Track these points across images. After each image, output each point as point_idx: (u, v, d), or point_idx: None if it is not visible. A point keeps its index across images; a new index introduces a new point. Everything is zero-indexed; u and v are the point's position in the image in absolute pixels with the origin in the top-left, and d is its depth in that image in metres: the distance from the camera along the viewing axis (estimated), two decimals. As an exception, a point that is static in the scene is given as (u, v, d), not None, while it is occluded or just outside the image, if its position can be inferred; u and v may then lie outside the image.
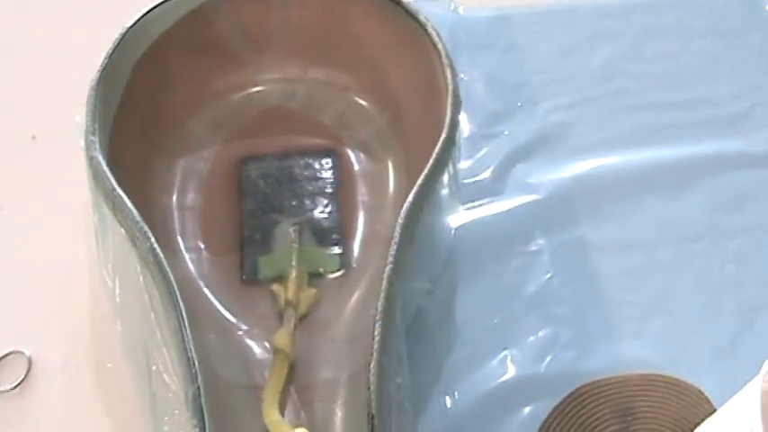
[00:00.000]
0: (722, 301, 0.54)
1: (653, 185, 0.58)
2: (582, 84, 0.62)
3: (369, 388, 0.40)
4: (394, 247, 0.43)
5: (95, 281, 0.53)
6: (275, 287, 0.52)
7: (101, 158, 0.47)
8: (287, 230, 0.55)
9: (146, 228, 0.44)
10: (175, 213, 0.55)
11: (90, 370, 0.51)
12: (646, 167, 0.58)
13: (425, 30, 0.52)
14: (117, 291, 0.47)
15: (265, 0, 0.56)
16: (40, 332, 0.52)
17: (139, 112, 0.54)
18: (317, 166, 0.57)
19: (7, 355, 0.51)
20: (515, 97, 0.61)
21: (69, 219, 0.55)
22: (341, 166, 0.57)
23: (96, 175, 0.47)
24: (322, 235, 0.54)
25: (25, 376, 0.51)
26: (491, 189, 0.57)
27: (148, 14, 0.53)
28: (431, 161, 0.46)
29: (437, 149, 0.47)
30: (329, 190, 0.56)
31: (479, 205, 0.56)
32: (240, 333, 0.51)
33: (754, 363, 0.52)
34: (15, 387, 0.50)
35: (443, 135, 0.47)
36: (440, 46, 0.51)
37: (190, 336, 0.41)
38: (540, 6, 0.66)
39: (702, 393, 0.49)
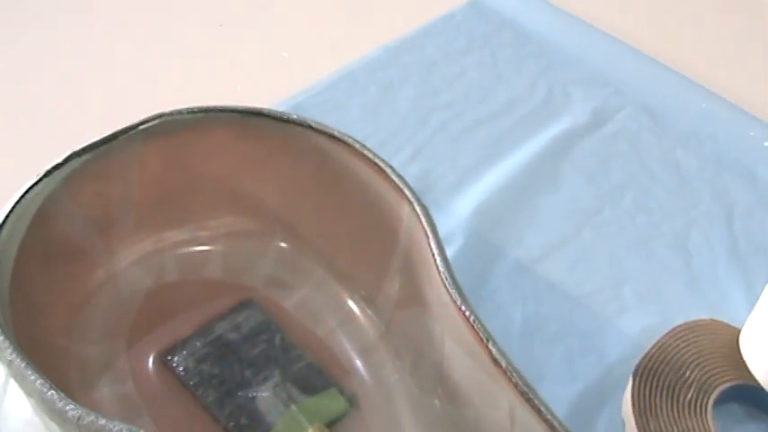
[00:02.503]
0: (656, 245, 0.60)
1: (532, 185, 0.63)
2: (408, 132, 0.65)
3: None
4: (475, 323, 0.42)
5: None
6: (304, 458, 0.47)
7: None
8: (270, 398, 0.49)
9: None
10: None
11: None
12: (515, 174, 0.63)
13: (305, 125, 0.51)
14: None
15: (102, 174, 0.51)
16: None
17: (31, 356, 0.45)
18: (243, 322, 0.53)
19: None
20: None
21: None
22: (269, 311, 0.53)
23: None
24: (307, 383, 0.50)
25: None
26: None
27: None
28: (429, 234, 0.46)
29: (424, 222, 0.46)
30: (277, 339, 0.52)
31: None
32: None
33: (714, 277, 0.59)
34: None
35: (417, 206, 0.47)
36: (335, 133, 0.51)
37: None
38: (320, 85, 0.68)
39: (716, 321, 0.54)
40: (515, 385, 0.40)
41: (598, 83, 0.70)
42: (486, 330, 0.42)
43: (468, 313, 0.43)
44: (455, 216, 0.60)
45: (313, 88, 0.68)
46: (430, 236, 0.46)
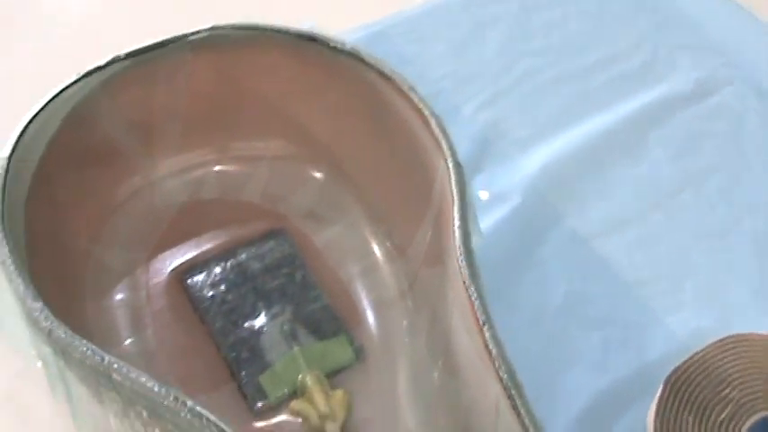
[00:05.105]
0: (732, 242, 0.53)
1: (611, 153, 0.56)
2: (490, 76, 0.60)
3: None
4: (477, 301, 0.38)
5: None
6: (296, 405, 0.44)
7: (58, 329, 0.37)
8: (277, 335, 0.47)
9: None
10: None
11: None
12: (594, 138, 0.57)
13: (358, 58, 0.47)
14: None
15: (147, 80, 0.48)
16: None
17: (45, 256, 0.44)
18: (269, 253, 0.50)
19: None
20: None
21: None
22: (297, 244, 0.50)
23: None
24: (318, 326, 0.47)
25: None
26: (461, 212, 0.53)
27: (24, 135, 0.43)
28: (455, 197, 0.41)
29: (454, 180, 0.42)
30: (298, 275, 0.49)
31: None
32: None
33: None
34: None
35: (450, 162, 0.42)
36: (386, 70, 0.46)
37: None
38: (409, 13, 0.63)
39: (775, 338, 0.47)
40: (500, 379, 0.35)
41: (710, 51, 0.62)
42: (486, 312, 0.37)
43: (472, 289, 0.38)
44: (518, 172, 0.54)
45: (400, 15, 0.62)
46: (455, 199, 0.41)
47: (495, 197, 0.53)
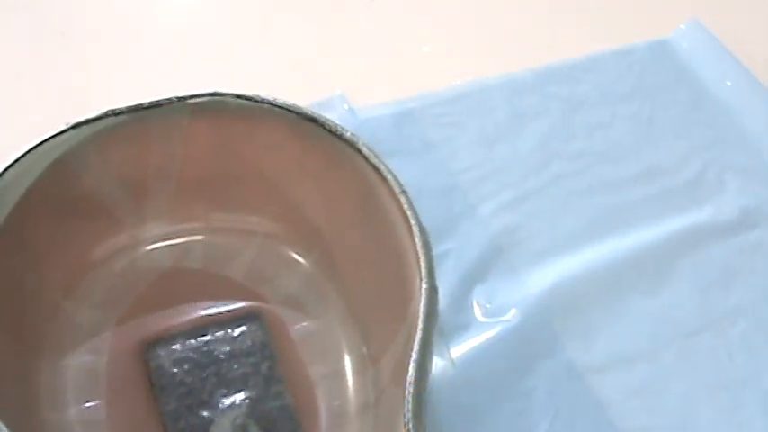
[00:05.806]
0: (745, 399, 0.48)
1: (631, 279, 0.52)
2: (518, 175, 0.56)
3: None
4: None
5: None
6: None
7: None
8: (227, 429, 0.44)
9: None
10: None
11: None
12: (616, 260, 0.52)
13: (356, 148, 0.44)
14: None
15: (141, 138, 0.46)
16: None
17: (5, 305, 0.42)
18: (240, 337, 0.47)
19: None
20: (448, 206, 0.54)
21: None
22: (271, 332, 0.47)
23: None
24: (273, 426, 0.44)
25: None
26: (453, 325, 0.49)
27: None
28: (420, 324, 0.38)
29: (423, 304, 0.38)
30: (264, 366, 0.46)
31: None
32: None
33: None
34: None
35: (424, 284, 0.39)
36: (382, 168, 0.43)
37: None
38: (445, 94, 0.60)
39: None
40: None
41: (763, 177, 0.57)
42: None
43: None
44: (523, 289, 0.50)
45: (435, 96, 0.59)
46: (420, 325, 0.38)
47: (493, 313, 0.49)
